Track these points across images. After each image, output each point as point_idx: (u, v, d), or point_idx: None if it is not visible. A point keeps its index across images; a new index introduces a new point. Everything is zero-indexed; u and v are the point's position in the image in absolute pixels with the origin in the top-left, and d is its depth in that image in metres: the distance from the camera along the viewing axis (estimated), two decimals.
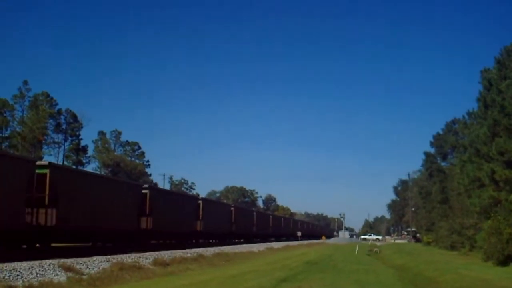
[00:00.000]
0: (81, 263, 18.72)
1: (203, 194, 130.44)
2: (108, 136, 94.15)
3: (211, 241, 48.66)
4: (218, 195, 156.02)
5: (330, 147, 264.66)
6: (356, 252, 43.58)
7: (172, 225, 37.76)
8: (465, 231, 37.45)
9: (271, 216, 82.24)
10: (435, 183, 59.93)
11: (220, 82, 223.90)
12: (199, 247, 37.18)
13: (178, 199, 42.90)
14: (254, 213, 68.62)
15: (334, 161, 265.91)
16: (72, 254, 21.82)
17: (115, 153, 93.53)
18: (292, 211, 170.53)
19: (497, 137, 28.42)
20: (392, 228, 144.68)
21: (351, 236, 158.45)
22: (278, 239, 76.64)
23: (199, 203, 44.81)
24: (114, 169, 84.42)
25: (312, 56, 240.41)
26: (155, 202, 35.00)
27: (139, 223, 33.16)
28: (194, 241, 43.42)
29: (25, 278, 14.93)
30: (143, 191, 34.55)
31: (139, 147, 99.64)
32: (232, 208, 56.45)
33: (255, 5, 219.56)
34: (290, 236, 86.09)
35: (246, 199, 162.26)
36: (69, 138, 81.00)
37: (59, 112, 78.12)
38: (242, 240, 57.79)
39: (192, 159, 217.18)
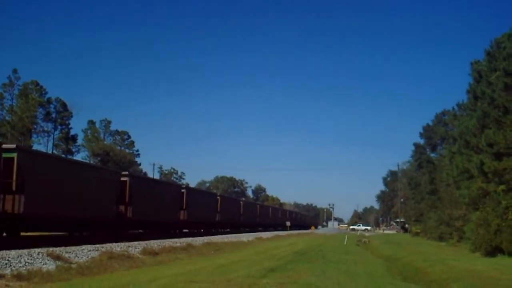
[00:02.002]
0: (70, 252, 18.65)
1: (193, 184, 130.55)
2: (97, 125, 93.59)
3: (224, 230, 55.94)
4: (208, 185, 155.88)
5: (320, 137, 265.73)
6: (345, 243, 43.75)
7: (199, 216, 46.15)
8: (454, 222, 37.71)
9: (270, 208, 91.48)
10: (424, 174, 60.29)
11: (209, 73, 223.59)
12: (217, 234, 47.46)
13: (203, 195, 54.07)
14: (257, 206, 79.18)
15: (323, 151, 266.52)
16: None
17: (105, 142, 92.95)
18: (281, 201, 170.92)
19: (486, 129, 28.50)
20: (381, 218, 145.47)
21: None
22: (275, 228, 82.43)
23: (218, 199, 53.62)
24: (104, 158, 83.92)
25: (300, 48, 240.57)
26: (189, 198, 43.13)
27: (179, 216, 41.38)
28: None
29: (14, 266, 14.83)
30: (181, 190, 43.35)
31: (129, 137, 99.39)
32: (241, 202, 66.86)
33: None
34: (280, 226, 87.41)
35: (236, 189, 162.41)
36: (59, 127, 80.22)
37: (49, 101, 77.34)
38: (247, 229, 64.72)
39: (181, 149, 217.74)
